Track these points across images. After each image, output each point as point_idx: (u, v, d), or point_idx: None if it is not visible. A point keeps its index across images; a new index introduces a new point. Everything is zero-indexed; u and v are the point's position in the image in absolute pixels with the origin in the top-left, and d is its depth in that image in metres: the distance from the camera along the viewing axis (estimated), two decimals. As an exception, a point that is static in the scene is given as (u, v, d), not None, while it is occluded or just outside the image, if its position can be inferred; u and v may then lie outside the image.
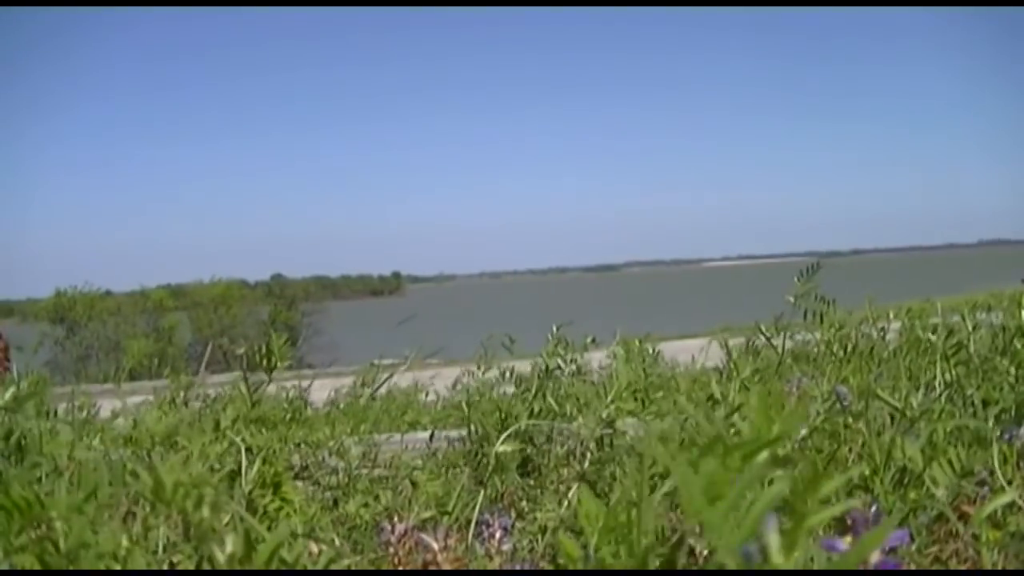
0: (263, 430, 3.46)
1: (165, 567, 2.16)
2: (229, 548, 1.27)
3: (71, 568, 1.41)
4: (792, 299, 4.00)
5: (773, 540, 0.96)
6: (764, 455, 1.11)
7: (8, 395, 1.67)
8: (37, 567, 1.41)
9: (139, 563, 1.51)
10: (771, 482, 1.02)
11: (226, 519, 1.35)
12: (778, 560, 0.96)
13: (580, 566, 1.38)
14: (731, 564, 0.97)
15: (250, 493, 3.10)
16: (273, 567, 1.28)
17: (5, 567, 1.43)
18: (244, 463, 3.13)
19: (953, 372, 3.48)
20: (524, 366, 5.17)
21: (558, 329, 4.47)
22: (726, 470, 1.08)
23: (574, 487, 3.25)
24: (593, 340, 4.89)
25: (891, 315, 5.25)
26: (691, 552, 1.77)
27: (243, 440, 3.22)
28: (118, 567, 1.48)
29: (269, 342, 3.65)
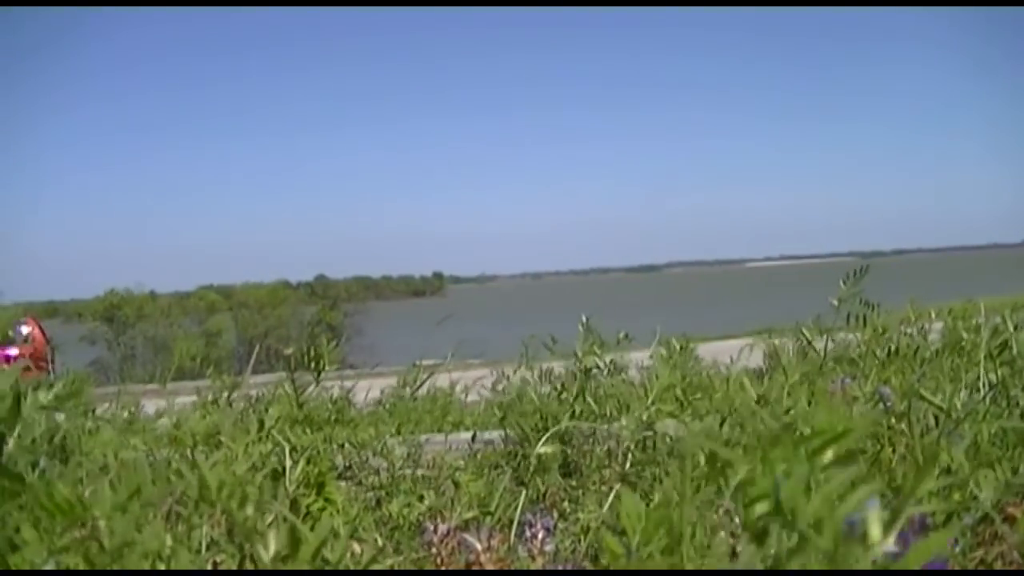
0: (307, 430, 3.48)
1: (208, 567, 2.17)
2: (273, 547, 1.28)
3: (115, 567, 1.42)
4: (836, 302, 3.98)
5: (874, 516, 0.98)
6: (831, 450, 1.12)
7: (51, 395, 1.69)
8: (82, 566, 1.42)
9: (183, 562, 1.52)
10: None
11: (269, 519, 1.35)
12: (876, 534, 0.98)
13: (623, 564, 1.38)
14: (826, 544, 0.98)
15: (294, 493, 3.11)
16: (316, 566, 1.29)
17: (51, 566, 1.44)
18: (288, 463, 3.15)
19: (998, 373, 3.44)
20: (567, 365, 5.16)
21: (588, 320, 4.45)
22: (796, 463, 1.09)
23: (615, 488, 3.25)
24: (627, 336, 4.86)
25: (933, 315, 5.21)
26: (733, 553, 1.76)
27: (287, 440, 3.23)
28: (162, 566, 1.49)
29: (318, 345, 3.68)
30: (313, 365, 3.68)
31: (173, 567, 1.50)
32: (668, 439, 3.54)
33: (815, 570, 0.99)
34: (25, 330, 15.77)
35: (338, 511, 3.17)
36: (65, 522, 1.43)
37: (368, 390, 6.81)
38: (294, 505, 3.10)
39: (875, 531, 0.99)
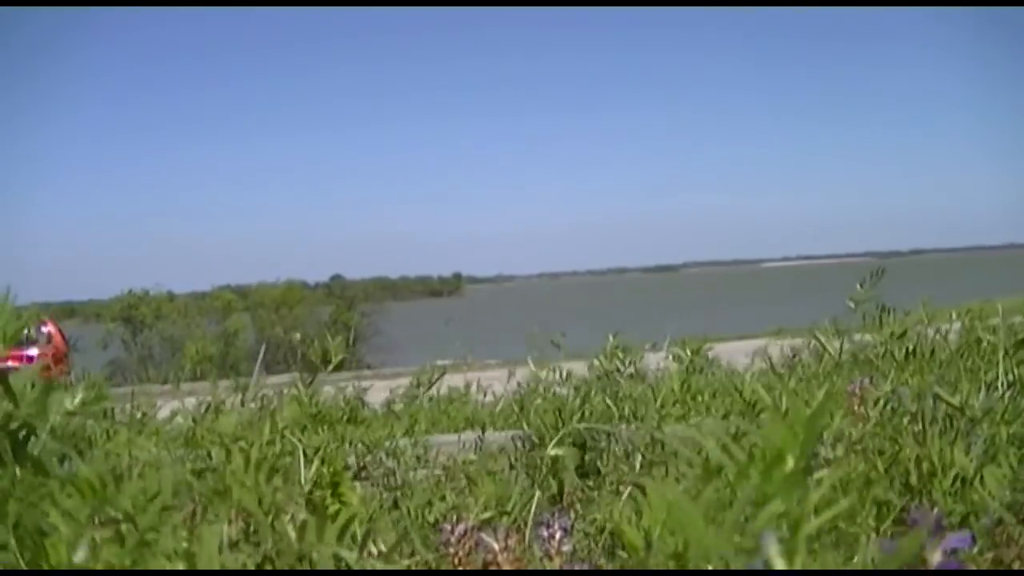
0: (320, 430, 3.48)
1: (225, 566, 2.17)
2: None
3: (144, 551, 1.43)
4: (853, 305, 3.98)
5: (773, 549, 1.01)
6: (788, 468, 1.13)
7: (76, 401, 1.70)
8: (115, 549, 1.44)
9: (211, 551, 1.53)
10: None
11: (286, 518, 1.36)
12: (779, 567, 1.03)
13: (642, 556, 1.38)
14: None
15: (309, 494, 3.12)
16: (334, 566, 1.29)
17: (83, 551, 1.46)
18: (302, 463, 3.16)
19: (1016, 372, 3.43)
20: (582, 367, 5.19)
21: (615, 337, 4.49)
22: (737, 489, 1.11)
23: (628, 489, 3.25)
24: (654, 345, 4.92)
25: (953, 315, 5.20)
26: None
27: (300, 440, 3.24)
28: (182, 564, 1.49)
29: (324, 341, 3.70)
30: (321, 360, 3.70)
31: (196, 562, 1.50)
32: (678, 441, 3.55)
33: (818, 570, 0.99)
34: (45, 331, 15.88)
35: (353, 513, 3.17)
36: (96, 506, 1.45)
37: (386, 390, 6.84)
38: (308, 505, 3.10)
39: (777, 564, 1.03)
